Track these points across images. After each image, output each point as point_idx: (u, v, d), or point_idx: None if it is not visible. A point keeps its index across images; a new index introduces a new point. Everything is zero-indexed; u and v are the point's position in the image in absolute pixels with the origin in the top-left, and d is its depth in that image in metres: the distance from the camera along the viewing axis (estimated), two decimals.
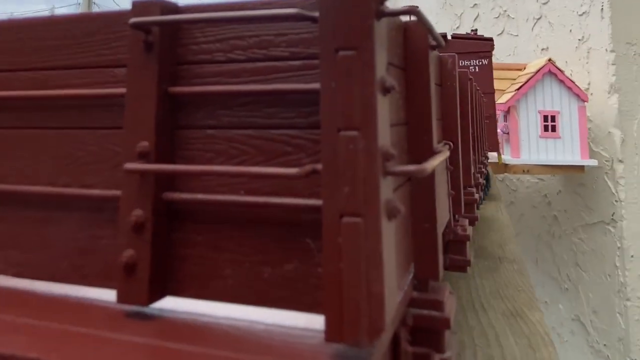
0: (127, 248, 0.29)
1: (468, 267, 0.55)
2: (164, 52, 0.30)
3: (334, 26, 0.25)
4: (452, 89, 0.52)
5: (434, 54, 0.39)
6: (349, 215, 0.24)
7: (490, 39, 1.64)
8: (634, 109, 1.84)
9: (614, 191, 1.84)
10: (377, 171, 0.24)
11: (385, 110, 0.25)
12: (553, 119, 1.77)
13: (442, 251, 0.37)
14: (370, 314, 0.23)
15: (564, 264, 2.07)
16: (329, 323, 0.24)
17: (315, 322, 0.28)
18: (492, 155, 1.65)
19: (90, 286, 0.33)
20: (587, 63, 1.99)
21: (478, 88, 1.13)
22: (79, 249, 0.33)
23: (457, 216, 0.57)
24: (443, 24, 2.53)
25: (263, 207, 0.29)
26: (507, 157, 1.78)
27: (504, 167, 1.77)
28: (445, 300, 0.34)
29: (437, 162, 0.30)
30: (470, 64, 1.58)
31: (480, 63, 1.61)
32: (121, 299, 0.30)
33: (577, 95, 1.76)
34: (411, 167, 0.26)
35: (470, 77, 0.74)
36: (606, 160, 1.87)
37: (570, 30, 2.06)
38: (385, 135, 0.25)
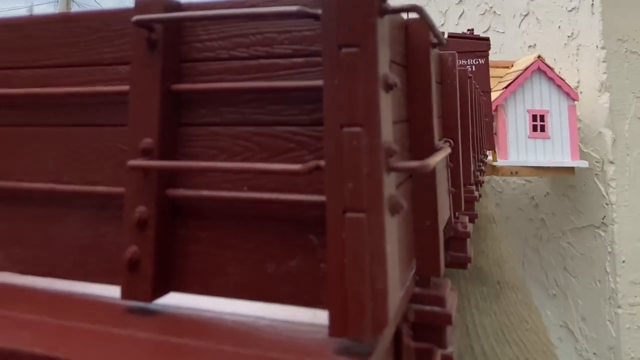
0: (130, 244, 0.29)
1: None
2: (167, 50, 0.30)
3: (336, 23, 0.25)
4: (452, 87, 0.52)
5: (434, 52, 0.39)
6: (352, 211, 0.24)
7: (487, 39, 1.63)
8: (626, 108, 1.77)
9: (604, 194, 1.77)
10: (380, 167, 0.24)
11: (387, 107, 0.26)
12: (542, 118, 1.70)
13: (443, 248, 0.37)
14: (374, 309, 0.24)
15: (552, 268, 2.00)
16: (332, 318, 0.24)
17: (319, 317, 0.28)
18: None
19: (94, 283, 0.33)
20: (576, 60, 1.91)
21: (477, 86, 1.13)
22: (83, 246, 0.33)
23: (457, 213, 0.57)
24: None
25: (266, 204, 0.29)
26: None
27: (492, 169, 1.69)
28: (446, 296, 0.35)
29: (439, 158, 0.30)
30: (467, 63, 1.58)
31: (477, 62, 1.61)
32: (125, 295, 0.30)
33: (567, 94, 1.69)
34: (414, 163, 0.26)
35: (470, 74, 0.75)
36: (596, 162, 1.79)
37: (559, 27, 1.99)
38: (388, 132, 0.25)
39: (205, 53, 0.31)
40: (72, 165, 0.34)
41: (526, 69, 1.69)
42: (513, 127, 1.71)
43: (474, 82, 0.89)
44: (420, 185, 0.35)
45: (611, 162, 1.76)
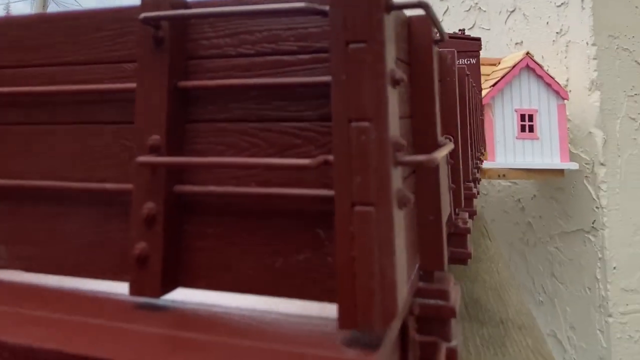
0: (139, 241, 0.30)
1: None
2: (174, 47, 0.30)
3: (344, 19, 0.25)
4: (452, 84, 0.53)
5: (435, 50, 0.40)
6: (361, 204, 0.24)
7: (478, 39, 1.61)
8: (617, 107, 1.69)
9: (594, 197, 1.69)
10: (389, 161, 0.24)
11: (394, 102, 0.26)
12: (531, 118, 1.62)
13: (446, 242, 0.37)
14: (383, 301, 0.24)
15: (538, 274, 1.91)
16: (342, 310, 0.24)
17: (326, 310, 0.28)
18: None
19: (101, 279, 0.33)
20: (565, 58, 1.83)
21: (474, 84, 1.14)
22: (89, 243, 0.33)
23: (457, 210, 0.57)
24: None
25: (273, 199, 0.29)
26: None
27: None
28: (450, 289, 0.35)
29: (445, 153, 0.30)
30: (458, 63, 1.58)
31: (469, 62, 1.60)
32: (134, 291, 0.30)
33: (557, 92, 1.61)
34: (421, 157, 0.26)
35: (468, 72, 0.75)
36: (586, 163, 1.72)
37: (547, 23, 1.90)
38: (396, 126, 0.26)
39: (212, 50, 0.31)
40: (77, 162, 0.34)
41: (514, 66, 1.62)
42: (500, 128, 1.63)
43: (470, 80, 0.90)
44: (424, 181, 0.35)
45: (602, 164, 1.68)
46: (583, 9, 1.74)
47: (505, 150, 1.62)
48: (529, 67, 1.62)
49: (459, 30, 1.80)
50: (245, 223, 0.30)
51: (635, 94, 1.71)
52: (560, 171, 1.63)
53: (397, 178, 0.25)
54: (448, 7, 2.38)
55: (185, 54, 0.31)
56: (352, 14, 0.25)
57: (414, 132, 0.36)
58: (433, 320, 0.35)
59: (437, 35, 0.37)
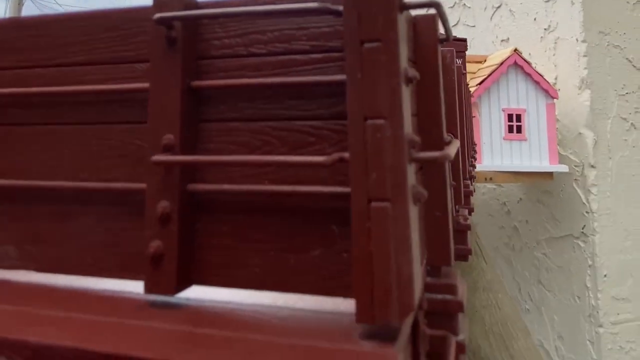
0: (154, 239, 0.30)
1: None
2: (187, 47, 0.31)
3: (358, 19, 0.26)
4: (451, 83, 0.54)
5: (440, 49, 0.40)
6: (377, 200, 0.25)
7: (464, 40, 1.54)
8: (608, 106, 1.61)
9: (584, 201, 1.59)
10: (404, 157, 0.25)
11: (408, 99, 0.26)
12: (519, 118, 1.52)
13: (452, 238, 0.38)
14: (400, 295, 0.24)
15: (525, 281, 1.82)
16: (359, 305, 0.25)
17: (341, 305, 0.29)
18: None
19: (113, 278, 0.33)
20: (554, 55, 1.73)
21: (467, 83, 1.15)
22: (102, 242, 0.33)
23: (457, 207, 0.58)
24: None
25: (287, 196, 0.30)
26: None
27: None
28: (457, 284, 0.36)
29: (455, 149, 0.31)
30: None
31: (455, 63, 1.60)
32: (148, 289, 0.30)
33: (546, 91, 1.52)
34: (436, 153, 0.27)
35: (464, 71, 0.76)
36: (576, 166, 1.61)
37: (535, 19, 1.80)
38: (409, 124, 0.26)
39: (224, 50, 0.31)
40: (89, 162, 0.34)
41: (502, 63, 1.51)
42: (487, 128, 1.52)
43: (465, 80, 0.91)
44: (431, 177, 0.36)
45: (592, 166, 1.59)
46: (572, 4, 1.65)
47: (492, 152, 1.52)
48: (517, 64, 1.53)
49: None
50: (258, 220, 0.30)
51: (627, 93, 1.64)
52: (549, 174, 1.55)
53: (412, 174, 0.26)
54: None
55: (198, 54, 0.32)
56: (367, 13, 0.25)
57: (419, 129, 0.37)
58: (441, 314, 0.35)
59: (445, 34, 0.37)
